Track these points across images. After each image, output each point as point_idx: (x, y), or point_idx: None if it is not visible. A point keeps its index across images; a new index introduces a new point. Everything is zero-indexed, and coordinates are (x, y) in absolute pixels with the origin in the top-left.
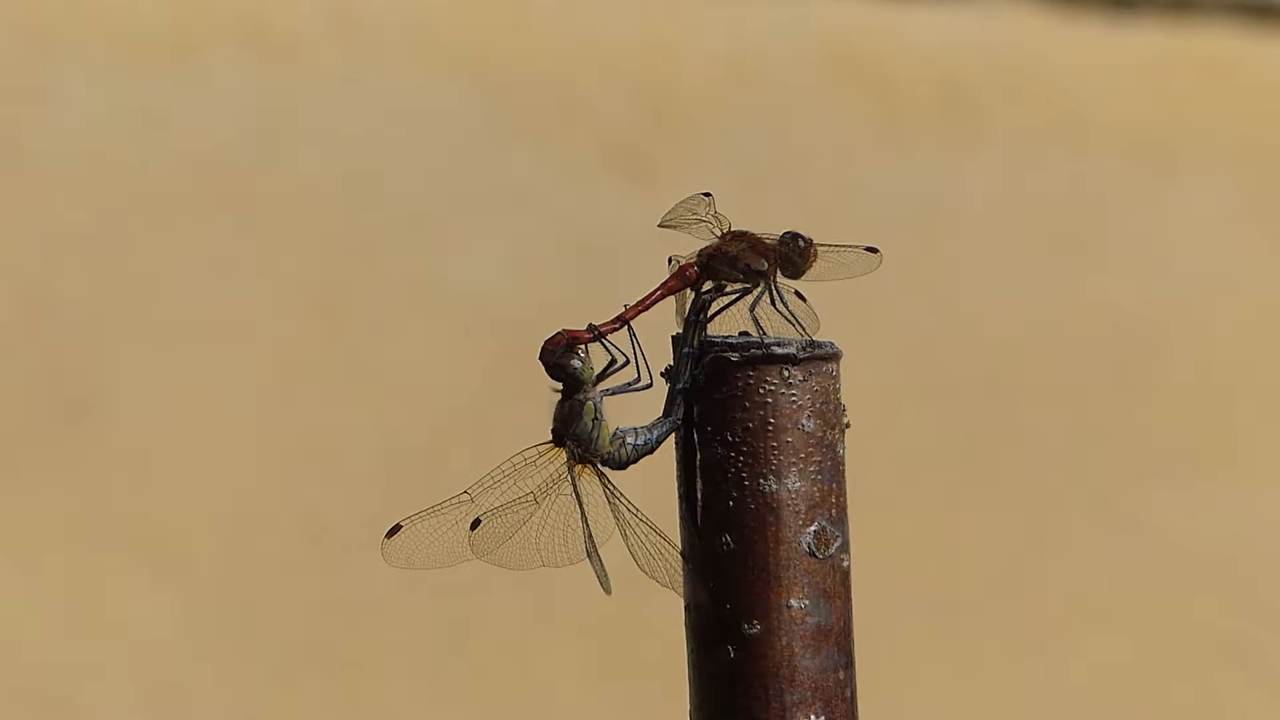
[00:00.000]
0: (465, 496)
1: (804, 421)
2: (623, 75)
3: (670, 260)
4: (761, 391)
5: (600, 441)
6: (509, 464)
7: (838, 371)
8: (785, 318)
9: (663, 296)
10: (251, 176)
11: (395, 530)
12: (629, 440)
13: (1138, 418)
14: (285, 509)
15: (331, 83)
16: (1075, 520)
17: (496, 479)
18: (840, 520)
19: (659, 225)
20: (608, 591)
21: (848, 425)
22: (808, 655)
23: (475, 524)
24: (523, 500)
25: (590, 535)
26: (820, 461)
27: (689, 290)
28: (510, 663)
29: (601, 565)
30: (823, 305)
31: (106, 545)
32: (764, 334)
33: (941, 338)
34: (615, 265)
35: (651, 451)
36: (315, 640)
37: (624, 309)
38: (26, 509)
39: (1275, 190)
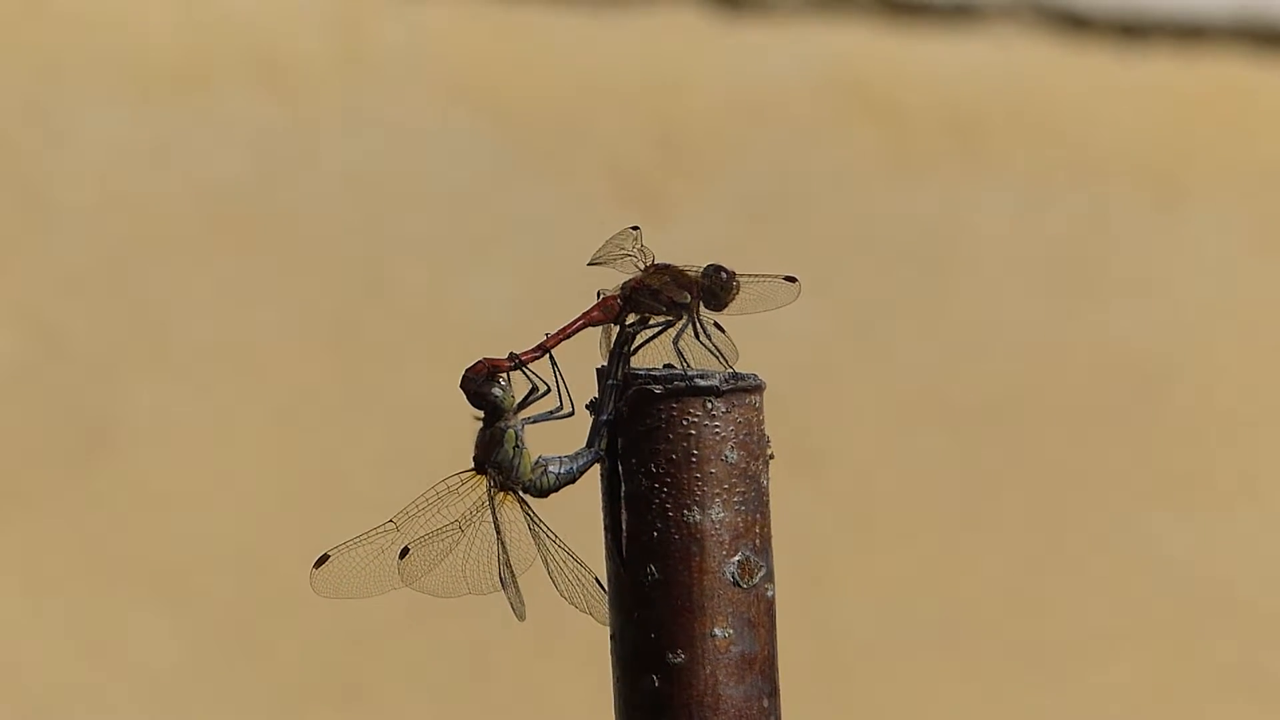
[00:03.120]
0: (390, 525)
1: (727, 453)
2: (632, 107)
3: (598, 293)
4: (685, 423)
5: (521, 469)
6: (432, 492)
7: (761, 403)
8: (708, 349)
9: (584, 326)
10: (261, 209)
11: (323, 560)
12: (551, 469)
13: (1147, 447)
14: (294, 539)
15: (341, 115)
16: (1083, 550)
17: (420, 507)
18: (764, 550)
19: (589, 264)
20: (521, 619)
21: (771, 456)
22: (732, 684)
23: (404, 552)
24: (448, 528)
25: (507, 563)
26: (744, 492)
27: (613, 323)
28: (519, 693)
29: (518, 593)
30: (830, 336)
31: (117, 577)
32: (687, 366)
33: (951, 369)
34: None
35: (573, 481)
36: (324, 671)
37: (545, 338)
38: (38, 542)
39: None
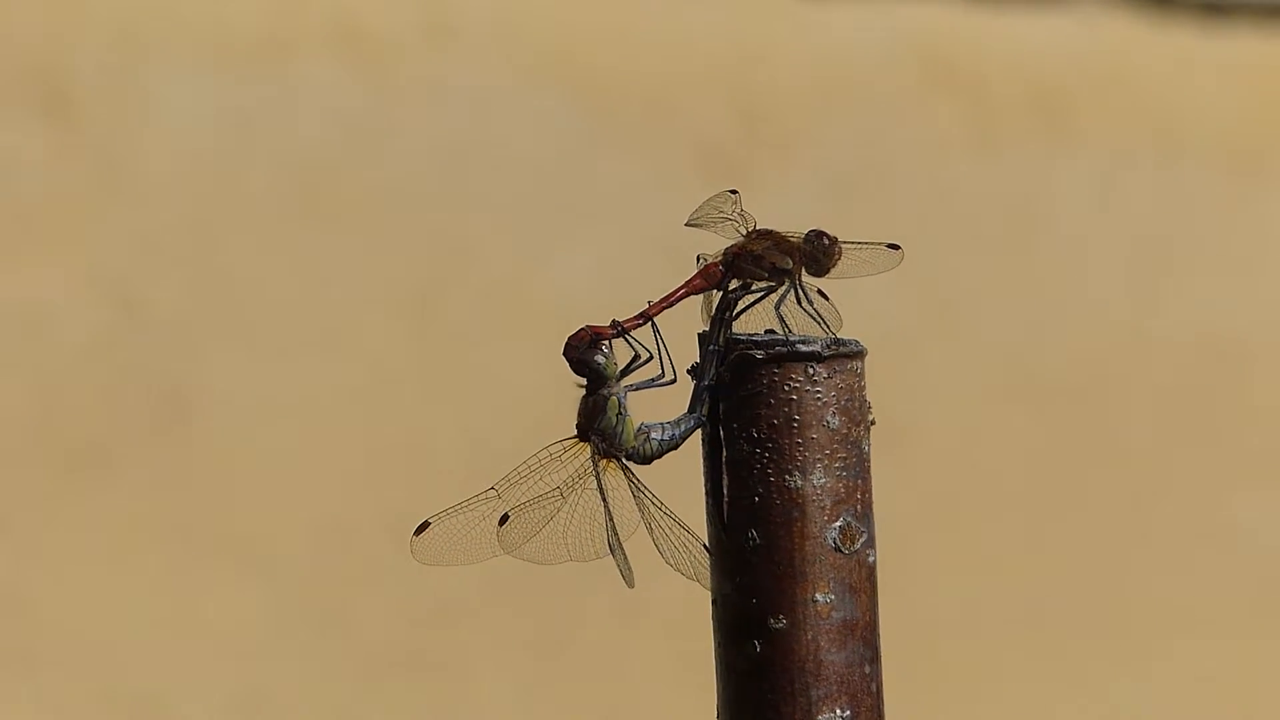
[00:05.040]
0: (492, 493)
1: (829, 418)
2: (716, 80)
3: (699, 258)
4: (786, 389)
5: (624, 436)
6: (534, 459)
7: (862, 369)
8: (810, 315)
9: (686, 294)
10: (343, 180)
11: (424, 527)
12: (654, 435)
13: (1228, 424)
14: (375, 512)
15: (424, 86)
16: (1165, 526)
17: (522, 474)
18: (865, 516)
19: (686, 224)
20: (630, 585)
21: (873, 422)
22: (833, 650)
23: (503, 519)
24: (549, 495)
25: (614, 529)
26: (845, 458)
27: (715, 289)
28: (600, 664)
29: (625, 559)
30: (912, 310)
31: (197, 548)
32: (789, 332)
33: (1033, 344)
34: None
35: (676, 447)
36: (404, 643)
37: (648, 305)
38: (119, 511)
39: None
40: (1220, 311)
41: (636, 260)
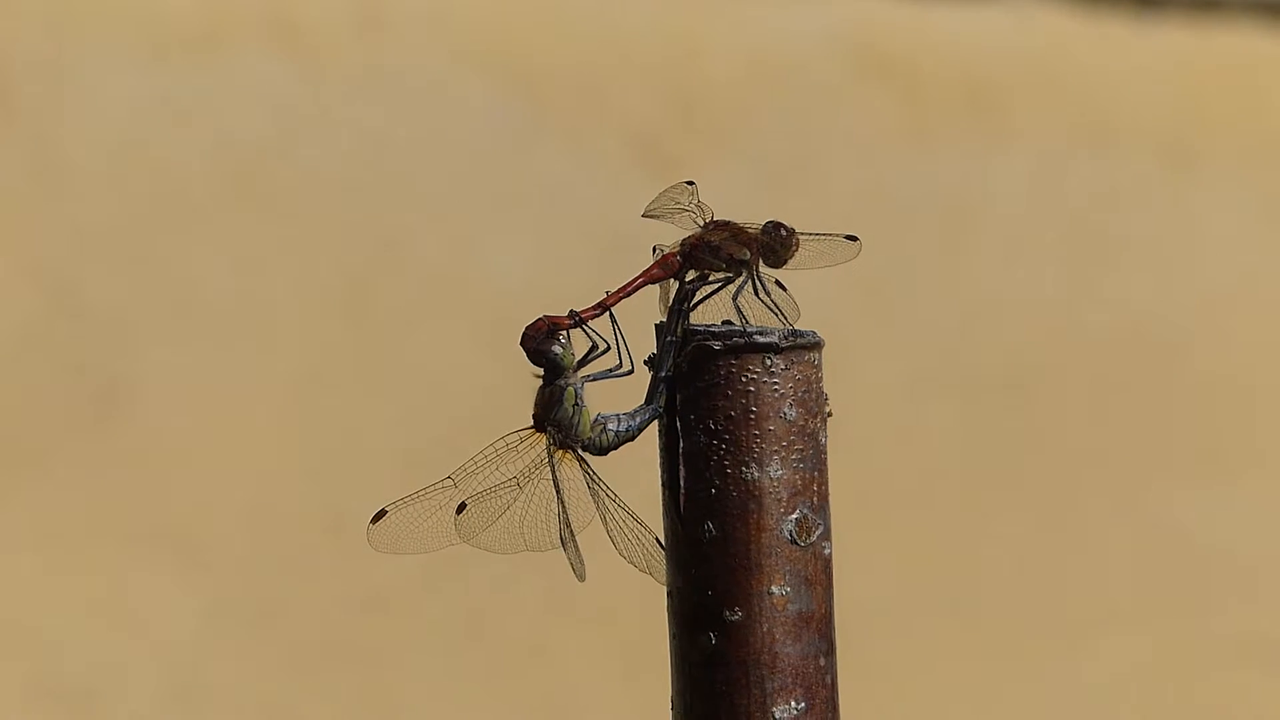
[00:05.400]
0: (449, 482)
1: (786, 410)
2: (650, 71)
3: (655, 249)
4: (744, 380)
5: (581, 427)
6: (491, 449)
7: (820, 361)
8: (767, 307)
9: (644, 284)
10: (277, 171)
11: (380, 516)
12: (610, 426)
13: (1160, 417)
14: (308, 504)
15: (358, 77)
16: (1097, 519)
17: (479, 464)
18: (822, 508)
19: (643, 215)
20: (581, 578)
21: (830, 414)
22: (789, 642)
23: (461, 508)
24: (506, 485)
25: (566, 522)
26: (802, 450)
27: (672, 279)
28: (528, 655)
29: (577, 552)
30: (846, 302)
31: (130, 539)
32: (746, 323)
33: (965, 335)
34: (641, 261)
35: (633, 438)
36: (337, 634)
37: (605, 295)
38: (51, 502)
39: None
40: (1155, 304)
41: (571, 250)
